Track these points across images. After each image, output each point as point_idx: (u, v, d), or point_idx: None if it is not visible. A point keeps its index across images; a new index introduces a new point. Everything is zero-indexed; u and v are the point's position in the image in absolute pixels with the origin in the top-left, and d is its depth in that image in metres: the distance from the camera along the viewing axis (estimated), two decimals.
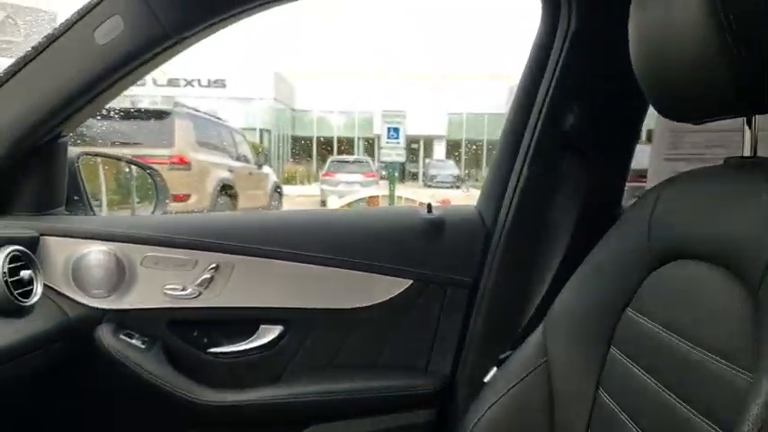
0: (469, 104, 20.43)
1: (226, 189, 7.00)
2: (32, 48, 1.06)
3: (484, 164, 19.76)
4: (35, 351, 0.98)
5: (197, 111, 7.49)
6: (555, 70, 1.11)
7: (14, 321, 0.96)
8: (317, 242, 1.20)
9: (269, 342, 1.19)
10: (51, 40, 1.05)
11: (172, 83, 16.32)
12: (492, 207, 1.23)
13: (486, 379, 0.92)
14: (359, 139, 22.34)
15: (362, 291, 1.19)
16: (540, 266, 1.14)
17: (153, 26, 1.02)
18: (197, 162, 6.52)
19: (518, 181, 1.16)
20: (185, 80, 17.47)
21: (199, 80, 18.01)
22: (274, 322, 1.20)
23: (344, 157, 17.01)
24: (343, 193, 10.73)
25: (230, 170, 7.31)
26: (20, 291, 0.97)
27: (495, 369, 0.92)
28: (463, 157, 22.05)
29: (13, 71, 1.06)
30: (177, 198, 6.00)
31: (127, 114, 5.83)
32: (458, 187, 16.70)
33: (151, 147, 5.91)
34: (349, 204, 8.62)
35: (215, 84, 18.39)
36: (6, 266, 0.96)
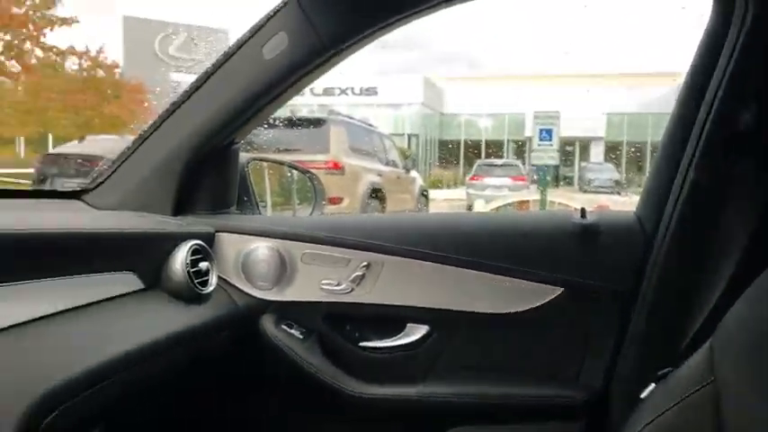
0: (632, 104, 19.07)
1: (375, 192, 7.26)
2: (212, 64, 1.20)
3: (647, 168, 18.28)
4: (210, 335, 1.11)
5: (350, 118, 7.87)
6: (728, 63, 1.01)
7: (194, 307, 1.09)
8: (465, 245, 1.20)
9: (415, 341, 1.22)
10: (227, 57, 1.17)
11: (327, 92, 17.32)
12: (653, 213, 1.15)
13: (644, 395, 0.86)
14: (508, 141, 21.89)
15: (511, 296, 1.17)
16: (707, 278, 1.04)
17: (313, 40, 1.09)
18: (349, 167, 6.84)
19: (683, 186, 1.07)
20: (340, 89, 18.45)
21: (352, 88, 18.92)
22: (421, 322, 1.22)
23: (492, 160, 16.69)
24: (490, 197, 10.57)
25: (379, 174, 7.58)
26: (198, 280, 1.10)
27: (653, 385, 0.85)
28: (624, 160, 20.60)
29: (197, 86, 1.20)
30: (331, 201, 6.34)
31: (288, 122, 6.29)
32: (618, 193, 15.61)
33: (309, 153, 6.31)
34: (497, 209, 8.48)
35: (367, 92, 19.19)
36: (189, 258, 1.09)
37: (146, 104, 15.84)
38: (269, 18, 1.11)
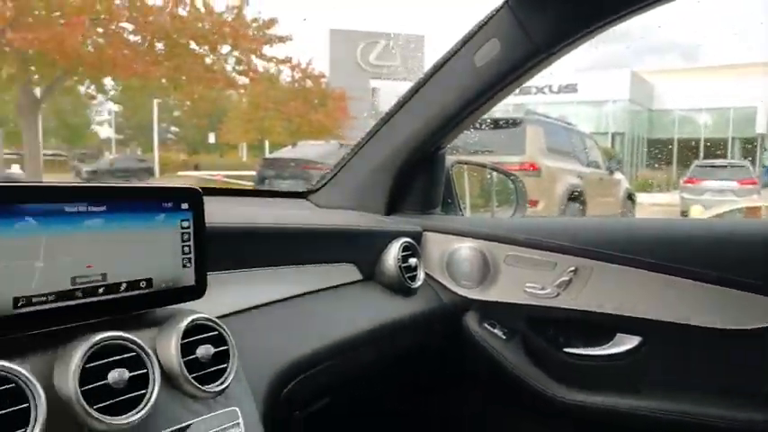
0: None
1: (574, 195, 6.92)
2: (423, 74, 1.27)
3: None
4: (419, 327, 1.18)
5: (547, 117, 7.61)
6: None
7: (405, 300, 1.17)
8: (682, 253, 1.11)
9: (626, 351, 1.16)
10: (438, 67, 1.23)
11: (523, 91, 16.85)
12: None
13: None
14: (733, 139, 19.22)
15: (738, 311, 1.06)
16: None
17: (526, 45, 1.10)
18: (546, 168, 6.60)
19: None
20: (536, 87, 17.89)
21: (550, 86, 18.21)
22: (632, 332, 1.16)
23: (714, 161, 14.64)
24: (709, 202, 9.38)
25: (579, 176, 7.20)
26: (408, 275, 1.19)
27: None
28: None
29: (409, 96, 1.28)
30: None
31: (483, 124, 6.29)
32: None
33: (503, 153, 6.23)
34: (720, 215, 7.51)
35: (566, 89, 18.33)
36: (400, 254, 1.18)
37: (347, 111, 17.13)
38: (481, 26, 1.15)
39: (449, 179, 1.50)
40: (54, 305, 0.60)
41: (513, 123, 6.86)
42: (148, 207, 0.68)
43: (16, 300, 0.57)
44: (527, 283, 1.22)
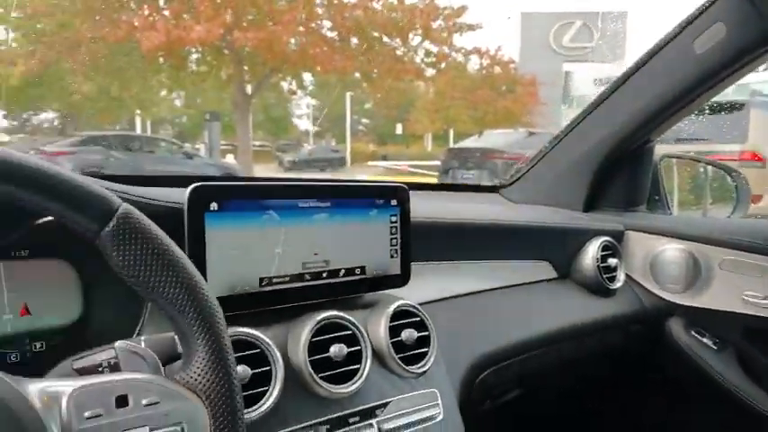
0: None
1: None
2: (634, 63, 1.19)
3: None
4: (617, 329, 1.13)
5: None
6: None
7: (603, 300, 1.13)
8: None
9: None
10: (650, 55, 1.15)
11: None
12: None
13: None
14: None
15: None
16: None
17: (759, 26, 0.98)
18: None
19: None
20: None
21: None
22: None
23: None
24: None
25: None
26: (607, 275, 1.14)
27: None
28: None
29: (616, 86, 1.21)
30: None
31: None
32: None
33: (716, 142, 5.54)
34: None
35: None
36: (599, 254, 1.13)
37: (537, 97, 16.50)
38: (703, 9, 1.04)
39: (656, 174, 1.39)
40: (289, 285, 0.69)
41: (733, 107, 6.04)
42: (364, 203, 0.76)
43: (261, 279, 0.68)
44: (746, 291, 1.10)
